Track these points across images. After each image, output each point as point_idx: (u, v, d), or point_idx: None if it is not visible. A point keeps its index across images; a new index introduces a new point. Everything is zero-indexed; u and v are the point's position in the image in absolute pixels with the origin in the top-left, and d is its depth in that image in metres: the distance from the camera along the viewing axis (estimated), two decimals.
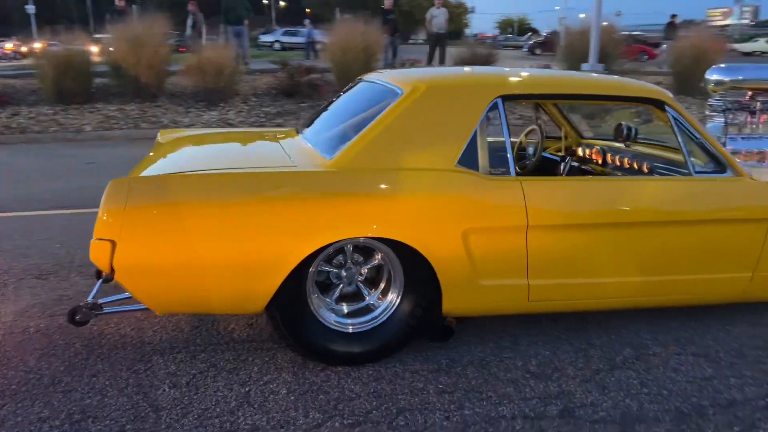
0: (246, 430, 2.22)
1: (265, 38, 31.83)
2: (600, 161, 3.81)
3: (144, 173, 2.60)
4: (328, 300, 2.68)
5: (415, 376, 2.59)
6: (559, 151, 4.08)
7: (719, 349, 2.87)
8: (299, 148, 2.96)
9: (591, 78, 3.24)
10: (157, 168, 2.65)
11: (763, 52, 37.53)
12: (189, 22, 14.30)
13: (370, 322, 2.64)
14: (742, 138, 3.71)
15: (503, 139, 2.78)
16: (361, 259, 2.71)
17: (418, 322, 2.66)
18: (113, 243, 2.29)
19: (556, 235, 2.67)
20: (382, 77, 3.14)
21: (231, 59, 10.65)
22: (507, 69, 3.30)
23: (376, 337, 2.62)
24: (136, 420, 2.27)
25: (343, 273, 2.69)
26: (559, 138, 4.12)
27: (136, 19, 11.01)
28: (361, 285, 2.73)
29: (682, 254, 2.84)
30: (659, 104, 2.88)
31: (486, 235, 2.59)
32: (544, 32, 43.17)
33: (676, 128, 2.88)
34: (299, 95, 10.96)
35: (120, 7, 12.84)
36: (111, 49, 10.72)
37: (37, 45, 12.04)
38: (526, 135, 4.03)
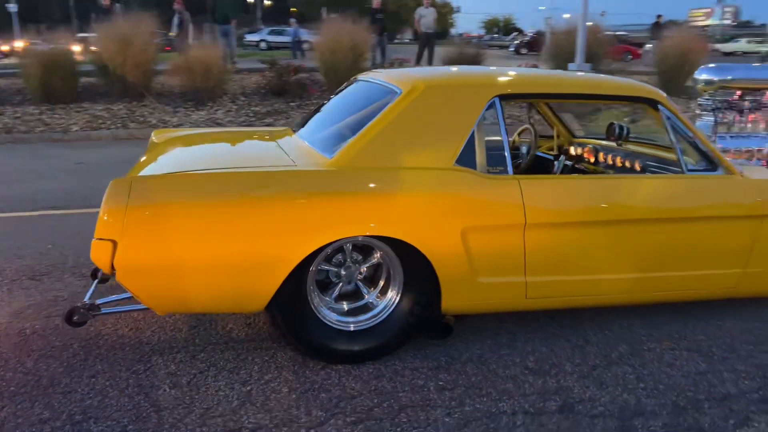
0: (249, 428, 2.23)
1: (251, 37, 31.66)
2: (592, 160, 3.86)
3: (144, 173, 2.60)
4: (327, 299, 2.70)
5: (415, 373, 2.62)
6: (552, 150, 4.13)
7: (711, 344, 2.92)
8: (297, 147, 2.97)
9: (586, 78, 3.28)
10: (156, 168, 2.65)
11: (744, 52, 38.09)
12: (175, 20, 14.18)
13: (371, 320, 2.66)
14: (731, 137, 3.78)
15: (499, 138, 2.81)
16: (359, 257, 2.72)
17: (418, 319, 2.69)
18: (114, 243, 2.28)
19: (554, 232, 2.70)
20: (378, 76, 3.16)
21: (219, 58, 10.60)
22: (504, 69, 3.33)
23: (376, 335, 2.64)
24: (138, 420, 2.26)
25: (343, 272, 2.70)
26: (552, 137, 4.17)
27: (122, 18, 10.92)
28: (360, 283, 2.75)
29: (675, 251, 2.89)
30: (653, 103, 2.92)
31: (484, 233, 2.61)
32: (529, 32, 43.41)
33: (669, 127, 2.93)
34: (288, 95, 10.93)
35: (105, 6, 12.73)
36: (94, 48, 10.62)
37: (19, 44, 11.91)
38: (519, 134, 4.07)
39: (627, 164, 3.58)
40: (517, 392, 2.49)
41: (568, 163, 3.60)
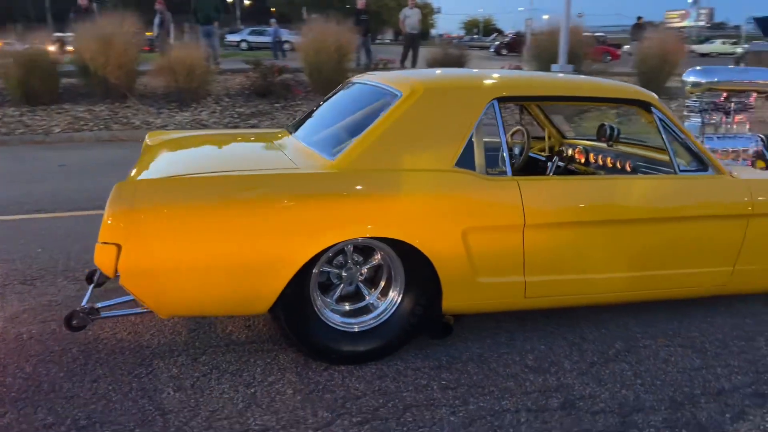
0: (256, 430, 2.24)
1: (232, 38, 31.49)
2: (583, 160, 3.92)
3: (146, 176, 2.59)
4: (328, 300, 2.71)
5: (417, 373, 2.64)
6: (543, 151, 4.18)
7: (704, 340, 3.00)
8: (297, 150, 2.98)
9: (582, 80, 3.34)
10: (157, 171, 2.64)
11: (719, 53, 38.82)
12: (156, 21, 14.05)
13: (374, 321, 2.68)
14: (718, 137, 3.87)
15: (496, 139, 2.85)
16: (360, 259, 2.74)
17: (419, 320, 2.71)
18: (119, 246, 2.27)
19: (552, 233, 2.75)
20: (375, 79, 3.18)
21: (202, 59, 10.53)
22: (501, 71, 3.38)
23: (380, 336, 2.66)
24: (144, 424, 2.26)
25: (344, 273, 2.72)
26: (542, 138, 4.23)
27: (101, 17, 10.78)
28: (361, 285, 2.77)
29: (669, 250, 2.95)
30: (646, 105, 2.99)
31: (484, 234, 2.65)
32: (509, 33, 43.76)
33: (661, 128, 2.99)
34: (272, 95, 10.90)
35: (83, 5, 12.56)
36: (69, 48, 10.46)
37: None
38: (512, 135, 4.12)
39: (618, 165, 3.65)
40: (519, 390, 2.53)
41: (561, 164, 3.66)
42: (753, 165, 3.95)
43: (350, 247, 2.66)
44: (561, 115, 4.42)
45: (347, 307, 2.73)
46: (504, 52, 35.35)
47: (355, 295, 2.79)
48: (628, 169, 3.58)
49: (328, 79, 11.03)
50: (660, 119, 2.99)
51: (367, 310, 2.75)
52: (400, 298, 2.70)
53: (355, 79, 3.57)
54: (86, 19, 10.83)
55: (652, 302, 3.30)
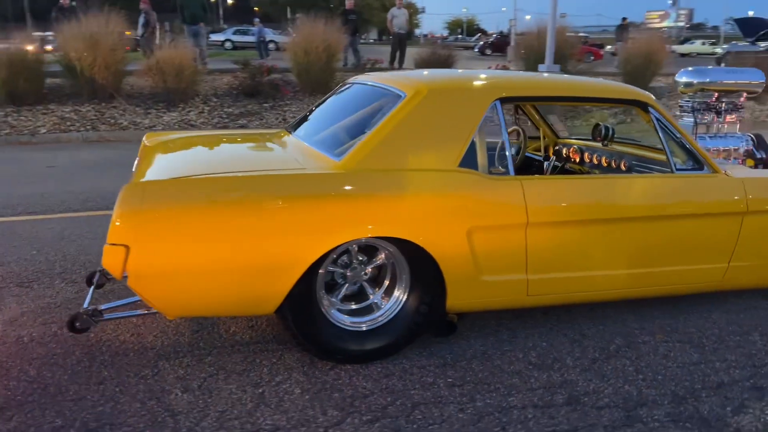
0: (267, 430, 2.25)
1: (216, 37, 31.26)
2: (578, 159, 3.98)
3: (151, 177, 2.57)
4: (334, 300, 2.73)
5: (423, 371, 2.67)
6: (538, 150, 4.23)
7: (702, 336, 3.06)
8: (301, 150, 2.99)
9: (581, 81, 3.38)
10: (161, 172, 2.63)
11: (699, 53, 39.37)
12: (141, 20, 13.92)
13: (382, 318, 2.69)
14: (710, 137, 3.94)
15: (498, 139, 2.89)
16: (364, 258, 2.76)
17: (424, 318, 2.74)
18: (127, 248, 2.27)
19: (554, 231, 2.79)
20: (376, 79, 3.20)
21: (190, 59, 10.47)
22: (502, 72, 3.41)
23: (386, 335, 2.68)
24: (154, 425, 2.25)
25: (349, 273, 2.73)
26: (537, 138, 4.28)
27: (83, 17, 10.66)
28: (365, 284, 2.79)
29: (667, 247, 3.01)
30: (643, 105, 3.04)
31: (488, 233, 2.68)
32: (492, 33, 44.01)
33: (658, 128, 3.05)
34: (261, 96, 10.87)
35: (64, 4, 12.41)
36: (48, 48, 10.33)
37: None
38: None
39: (613, 164, 3.71)
40: (524, 387, 2.57)
41: (558, 163, 3.71)
42: (743, 163, 4.03)
43: (355, 247, 2.68)
44: (555, 115, 4.48)
45: (353, 306, 2.75)
46: (488, 52, 35.56)
47: (359, 295, 2.81)
48: (623, 168, 3.64)
49: (316, 79, 11.04)
50: (657, 119, 3.04)
51: (371, 309, 2.77)
52: (405, 297, 2.72)
53: (354, 79, 3.59)
54: (68, 19, 10.72)
55: (649, 299, 3.36)
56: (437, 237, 2.59)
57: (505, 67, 12.81)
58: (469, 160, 2.71)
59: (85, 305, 2.80)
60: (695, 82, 3.93)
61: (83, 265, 3.89)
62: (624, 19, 17.72)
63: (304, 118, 3.54)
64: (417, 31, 54.95)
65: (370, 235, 2.51)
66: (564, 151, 4.05)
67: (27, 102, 9.74)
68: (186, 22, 12.66)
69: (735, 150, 3.93)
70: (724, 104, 3.98)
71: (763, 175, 3.29)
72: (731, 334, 3.08)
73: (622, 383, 2.61)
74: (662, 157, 3.34)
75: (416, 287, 2.71)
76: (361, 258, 2.74)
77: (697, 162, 3.11)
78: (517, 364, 2.75)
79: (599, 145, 3.71)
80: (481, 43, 39.31)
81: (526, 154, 4.11)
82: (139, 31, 13.88)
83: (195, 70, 10.65)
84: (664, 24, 57.65)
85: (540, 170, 4.01)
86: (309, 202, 2.42)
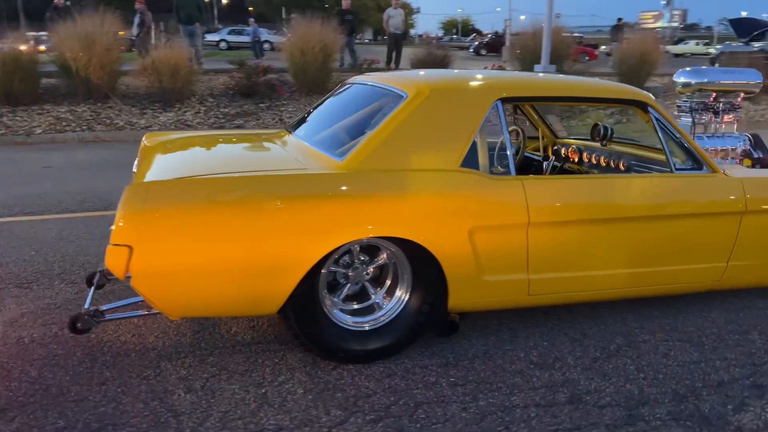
0: (271, 430, 2.25)
1: (211, 37, 31.23)
2: (576, 159, 3.99)
3: (153, 178, 2.57)
4: (336, 300, 2.73)
5: (425, 371, 2.67)
6: (537, 150, 4.24)
7: (701, 335, 3.07)
8: (301, 150, 2.99)
9: (581, 81, 3.40)
10: (164, 172, 2.62)
11: (693, 54, 39.53)
12: (136, 20, 13.88)
13: (384, 318, 2.70)
14: (707, 137, 3.97)
15: (498, 139, 2.90)
16: (366, 258, 2.76)
17: (426, 318, 2.74)
18: (130, 248, 2.26)
19: (555, 231, 2.80)
20: (377, 80, 3.20)
21: (186, 59, 10.44)
22: (502, 72, 3.42)
23: (388, 334, 2.69)
24: (157, 426, 2.25)
25: (351, 273, 2.74)
26: (536, 138, 4.29)
27: (78, 17, 10.62)
28: (367, 284, 2.79)
29: (666, 246, 3.02)
30: (643, 106, 3.06)
31: (490, 233, 2.69)
32: (487, 33, 44.08)
33: (658, 128, 3.06)
34: (257, 96, 10.85)
35: (58, 4, 12.36)
36: (41, 48, 10.28)
37: None
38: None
39: (612, 164, 3.72)
40: (526, 386, 2.58)
41: (557, 163, 3.72)
42: (740, 163, 4.05)
43: (357, 247, 2.68)
44: (554, 115, 4.49)
45: (355, 306, 2.75)
46: (483, 52, 35.65)
47: (361, 295, 2.81)
48: (622, 167, 3.66)
49: (313, 79, 11.03)
50: (656, 119, 3.06)
51: (373, 309, 2.78)
52: (407, 297, 2.72)
53: (354, 79, 3.59)
54: (63, 18, 10.67)
55: (647, 298, 3.37)
56: (439, 237, 2.59)
57: (501, 67, 12.84)
58: (470, 160, 2.72)
59: (86, 306, 2.80)
60: (693, 82, 3.95)
61: (82, 265, 3.88)
62: (619, 19, 17.81)
63: (304, 119, 3.54)
64: (412, 32, 55.02)
65: (372, 235, 2.51)
66: (563, 151, 4.07)
67: (22, 102, 9.70)
68: (182, 22, 12.64)
69: (732, 150, 3.96)
70: (721, 104, 4.00)
71: (762, 175, 3.31)
72: (730, 332, 3.10)
73: (623, 382, 2.62)
74: (660, 157, 3.36)
75: (418, 287, 2.71)
76: (362, 258, 2.75)
77: (696, 162, 3.13)
78: (518, 363, 2.76)
79: (598, 145, 3.72)
80: (476, 43, 39.41)
81: (525, 154, 4.12)
82: (135, 31, 13.84)
83: (191, 70, 10.63)
84: (658, 24, 57.90)
85: (539, 170, 4.02)
86: (312, 202, 2.43)
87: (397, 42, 14.04)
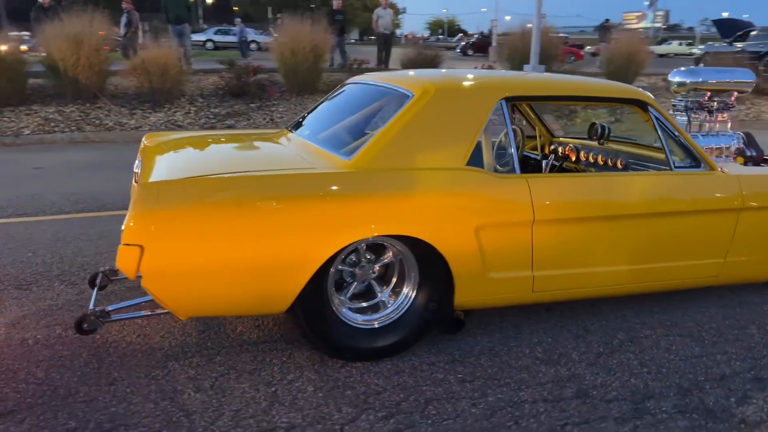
0: (284, 428, 2.26)
1: (197, 37, 30.98)
2: (573, 158, 4.04)
3: (162, 177, 2.55)
4: (343, 298, 2.74)
5: (433, 368, 2.69)
6: (535, 149, 4.28)
7: (701, 329, 3.13)
8: (307, 149, 3.00)
9: (583, 81, 3.44)
10: (172, 172, 2.61)
11: (676, 54, 40.02)
12: (123, 20, 13.77)
13: (394, 315, 2.72)
14: (702, 135, 4.03)
15: (502, 138, 2.92)
16: (372, 257, 2.78)
17: (433, 315, 2.77)
18: (141, 248, 2.26)
19: (558, 228, 2.84)
20: (379, 79, 3.22)
21: (176, 59, 10.38)
22: (505, 72, 3.45)
23: (396, 332, 2.71)
24: (170, 425, 2.25)
25: (358, 271, 2.75)
26: (533, 137, 4.33)
27: (65, 17, 10.51)
28: (373, 282, 2.81)
29: (666, 243, 3.07)
30: (643, 105, 3.10)
31: (496, 230, 2.72)
32: (473, 33, 44.26)
33: (657, 127, 3.11)
34: (247, 96, 10.81)
35: (44, 4, 12.23)
36: (24, 47, 10.17)
37: None
38: (505, 135, 4.20)
39: (609, 162, 3.77)
40: (534, 381, 2.61)
41: (556, 162, 3.76)
42: (734, 161, 4.12)
43: (363, 245, 2.70)
44: (552, 115, 4.54)
45: (363, 304, 2.77)
46: (470, 52, 35.80)
47: (367, 293, 2.83)
48: (620, 166, 3.70)
49: (303, 79, 11.02)
50: (656, 118, 3.11)
51: (379, 307, 2.79)
52: (414, 294, 2.74)
53: (355, 79, 3.61)
54: (50, 18, 10.56)
55: (647, 295, 3.42)
56: (447, 235, 2.62)
57: (490, 67, 12.92)
58: (475, 159, 2.75)
59: (91, 307, 2.78)
60: (688, 81, 4.01)
61: (81, 266, 3.85)
62: (607, 20, 18.00)
63: (304, 118, 3.55)
64: (398, 32, 55.14)
65: (381, 233, 2.53)
66: (560, 149, 4.11)
67: (10, 103, 9.58)
68: (170, 22, 12.57)
69: (726, 148, 4.02)
70: (715, 103, 4.07)
71: (757, 172, 3.37)
72: (729, 327, 3.15)
73: (628, 376, 2.66)
74: (656, 155, 3.42)
75: (425, 285, 2.73)
76: (369, 256, 2.76)
77: (694, 160, 3.18)
78: (524, 359, 2.79)
79: (594, 143, 3.77)
80: (463, 43, 39.54)
81: (524, 153, 4.15)
82: (122, 30, 13.74)
83: (180, 70, 10.56)
84: (641, 25, 58.50)
85: (537, 169, 4.06)
86: (323, 200, 2.44)
87: (387, 42, 14.07)
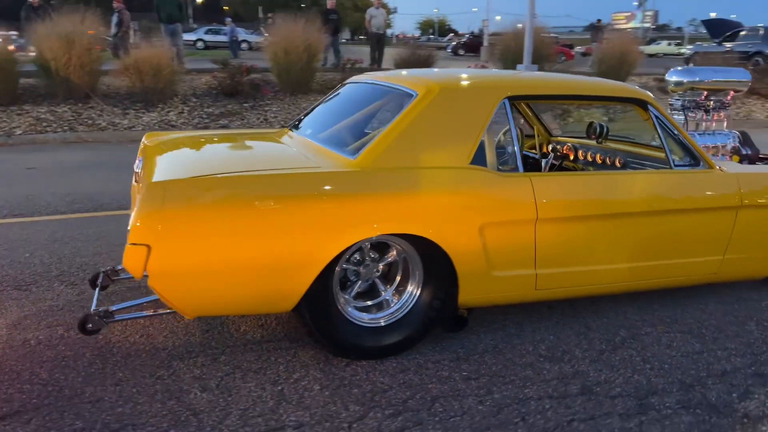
0: (292, 426, 2.26)
1: (188, 36, 30.82)
2: (572, 157, 4.06)
3: (166, 177, 2.55)
4: (348, 297, 2.75)
5: (438, 365, 2.71)
6: (533, 148, 4.31)
7: (701, 326, 3.16)
8: (310, 148, 3.00)
9: (584, 80, 3.47)
10: (176, 172, 2.60)
11: (665, 54, 40.30)
12: (114, 20, 13.69)
13: (399, 313, 2.72)
14: (699, 134, 4.07)
15: (506, 137, 2.94)
16: (376, 255, 2.79)
17: (437, 313, 2.78)
18: (148, 247, 2.25)
19: (561, 226, 2.86)
20: (382, 78, 3.23)
21: (168, 58, 10.33)
22: (507, 71, 3.47)
23: (401, 330, 2.71)
24: (178, 425, 2.25)
25: (362, 270, 2.76)
26: (532, 136, 4.35)
27: (56, 16, 10.43)
28: (377, 281, 2.81)
29: (666, 241, 3.10)
30: (643, 104, 3.13)
31: (499, 229, 2.73)
32: (464, 33, 44.35)
33: (657, 125, 3.14)
34: (241, 95, 10.79)
35: (33, 3, 12.14)
36: (11, 47, 10.12)
37: None
38: (504, 133, 4.22)
39: (608, 161, 3.80)
40: (538, 378, 2.63)
41: (555, 162, 3.78)
42: (730, 159, 4.17)
43: (367, 244, 2.70)
44: (550, 114, 4.56)
45: (368, 302, 2.77)
46: (461, 52, 35.87)
47: (371, 291, 2.83)
48: (618, 165, 3.73)
49: (297, 79, 11.01)
50: (656, 116, 3.14)
51: (382, 305, 2.80)
52: (419, 292, 2.75)
53: (355, 78, 3.61)
54: (41, 18, 10.48)
55: (647, 292, 3.45)
56: (451, 233, 2.63)
57: (483, 67, 12.95)
58: (479, 158, 2.76)
59: (94, 307, 2.77)
60: (685, 81, 4.05)
61: (80, 267, 3.84)
62: (598, 20, 18.12)
63: (305, 117, 3.55)
64: (389, 31, 55.19)
65: (387, 232, 2.54)
66: (558, 148, 4.13)
67: (1, 102, 9.50)
68: (163, 21, 12.51)
69: (723, 146, 4.07)
70: (712, 102, 4.11)
71: (755, 171, 3.41)
72: (728, 324, 3.19)
73: (631, 373, 2.69)
74: (654, 153, 3.45)
75: (429, 283, 2.74)
76: (372, 255, 2.77)
77: (693, 158, 3.21)
78: (528, 356, 2.81)
79: (592, 142, 3.80)
80: (454, 43, 39.63)
81: (523, 152, 4.17)
82: (113, 30, 13.65)
83: (173, 70, 10.52)
84: (631, 25, 58.84)
85: (536, 167, 4.08)
86: (329, 200, 2.44)
87: (379, 41, 14.09)
